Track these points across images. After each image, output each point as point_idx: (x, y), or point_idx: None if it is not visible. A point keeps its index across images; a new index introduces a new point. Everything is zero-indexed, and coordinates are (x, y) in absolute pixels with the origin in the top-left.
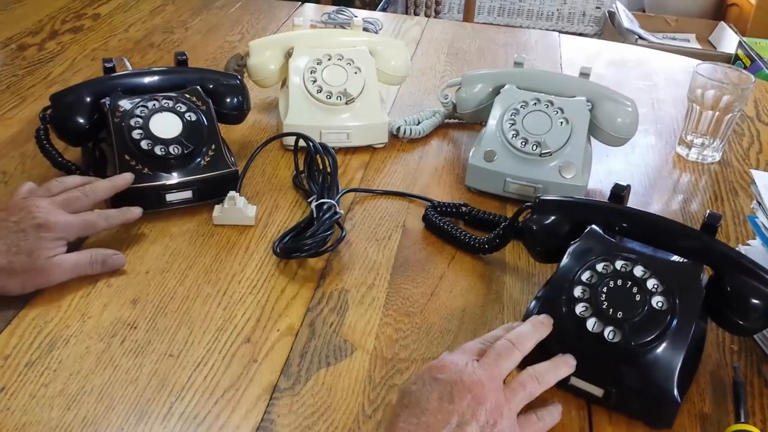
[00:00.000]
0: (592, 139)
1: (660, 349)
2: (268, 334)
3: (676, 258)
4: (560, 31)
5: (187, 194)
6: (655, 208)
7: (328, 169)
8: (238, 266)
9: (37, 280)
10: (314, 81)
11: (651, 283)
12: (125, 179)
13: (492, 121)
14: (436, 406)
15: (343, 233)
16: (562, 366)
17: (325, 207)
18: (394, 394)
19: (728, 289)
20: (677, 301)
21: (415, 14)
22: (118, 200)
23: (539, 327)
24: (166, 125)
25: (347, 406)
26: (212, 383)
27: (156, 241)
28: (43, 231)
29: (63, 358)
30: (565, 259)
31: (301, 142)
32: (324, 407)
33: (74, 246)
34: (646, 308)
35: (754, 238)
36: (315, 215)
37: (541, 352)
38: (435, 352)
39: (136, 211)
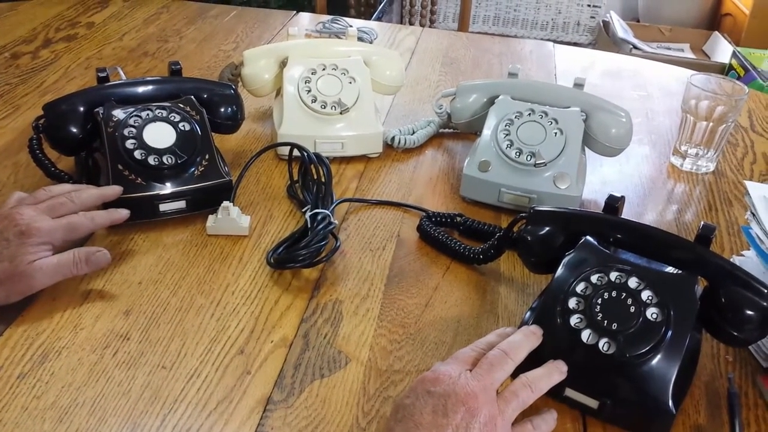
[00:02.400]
0: (586, 149)
1: (655, 361)
2: (262, 345)
3: (670, 269)
4: (555, 41)
5: (181, 204)
6: (649, 218)
7: (323, 179)
8: (231, 277)
9: (20, 286)
10: (309, 90)
11: (645, 295)
12: (114, 190)
13: (486, 132)
14: (430, 420)
15: (338, 244)
16: (555, 372)
17: (319, 217)
18: (389, 407)
19: (723, 300)
20: (672, 313)
21: (410, 23)
22: (109, 206)
23: (530, 337)
24: (160, 135)
25: (341, 418)
26: (205, 395)
27: (149, 252)
28: (26, 237)
29: (55, 370)
30: (559, 271)
31: (296, 152)
32: (318, 419)
33: None
34: (640, 320)
35: (749, 249)
36: (309, 225)
37: (534, 362)
38: (429, 364)
39: (123, 212)
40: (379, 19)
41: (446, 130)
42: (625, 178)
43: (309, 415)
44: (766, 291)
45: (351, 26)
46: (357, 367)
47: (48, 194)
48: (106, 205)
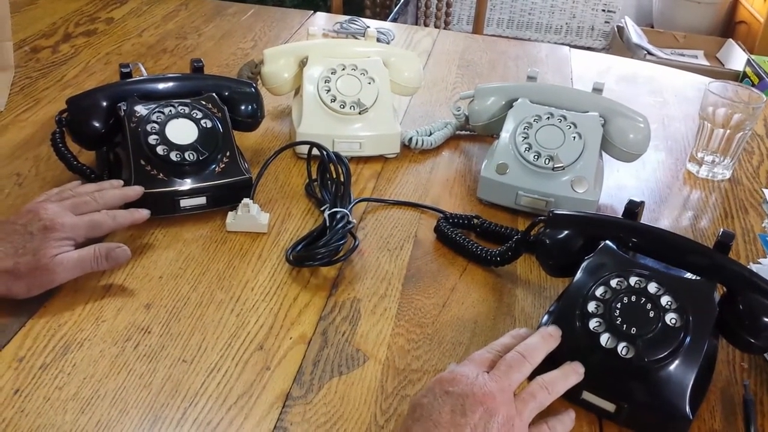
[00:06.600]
0: (603, 154)
1: (673, 366)
2: (281, 341)
3: (689, 275)
4: (569, 45)
5: (201, 200)
6: (665, 224)
7: (341, 178)
8: (251, 273)
9: (41, 279)
10: (328, 90)
11: (665, 300)
12: (136, 191)
13: (505, 134)
14: (449, 420)
15: (356, 243)
16: (571, 374)
17: (338, 216)
18: (407, 406)
19: (740, 307)
20: (690, 319)
21: (425, 25)
22: (131, 205)
23: (548, 339)
24: (182, 131)
25: (359, 415)
26: (225, 390)
27: (169, 247)
28: (49, 232)
29: (77, 361)
30: (579, 274)
31: (314, 151)
32: (336, 416)
33: None
34: (659, 325)
35: (765, 257)
36: (328, 224)
37: (551, 364)
38: (447, 364)
39: (144, 212)
40: (394, 20)
41: (463, 132)
42: (641, 184)
43: (328, 412)
44: None
45: (368, 27)
46: (375, 365)
47: (73, 193)
48: (127, 204)
